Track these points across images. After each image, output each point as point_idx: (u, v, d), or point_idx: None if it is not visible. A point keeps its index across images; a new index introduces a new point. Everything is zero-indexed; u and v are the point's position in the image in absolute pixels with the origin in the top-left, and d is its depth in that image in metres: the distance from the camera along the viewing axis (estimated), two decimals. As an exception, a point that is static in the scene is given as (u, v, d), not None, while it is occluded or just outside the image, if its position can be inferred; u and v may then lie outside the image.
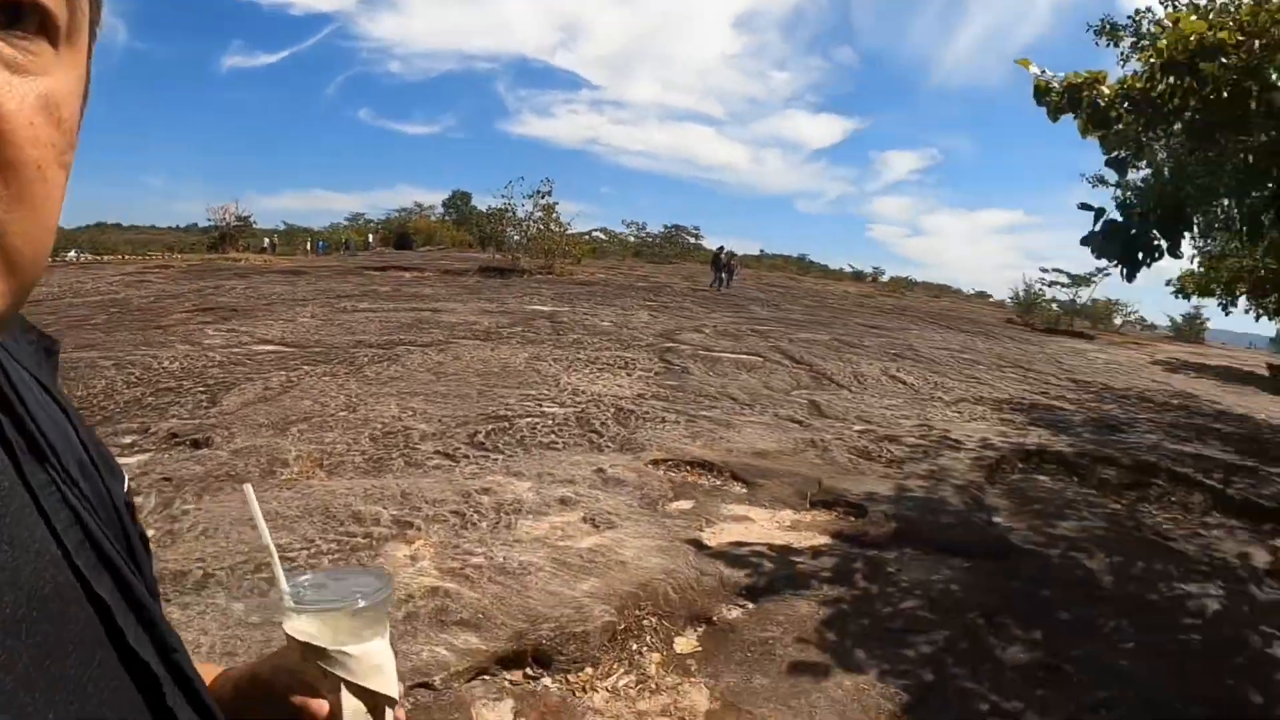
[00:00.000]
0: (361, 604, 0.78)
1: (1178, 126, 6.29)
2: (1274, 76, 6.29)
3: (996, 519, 6.40)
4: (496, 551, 4.41)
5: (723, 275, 21.71)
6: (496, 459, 6.36)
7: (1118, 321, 36.12)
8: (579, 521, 5.06)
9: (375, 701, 0.76)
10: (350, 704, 0.73)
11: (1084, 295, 26.99)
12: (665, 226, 36.63)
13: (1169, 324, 37.25)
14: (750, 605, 4.44)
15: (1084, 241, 6.31)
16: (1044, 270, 27.95)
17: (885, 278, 41.58)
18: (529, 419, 7.46)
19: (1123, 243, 6.12)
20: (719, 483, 6.31)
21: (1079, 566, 5.69)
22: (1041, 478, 7.77)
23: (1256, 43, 6.32)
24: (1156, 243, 6.29)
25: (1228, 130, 6.26)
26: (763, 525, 5.62)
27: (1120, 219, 6.19)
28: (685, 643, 3.98)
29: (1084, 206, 5.66)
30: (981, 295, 39.07)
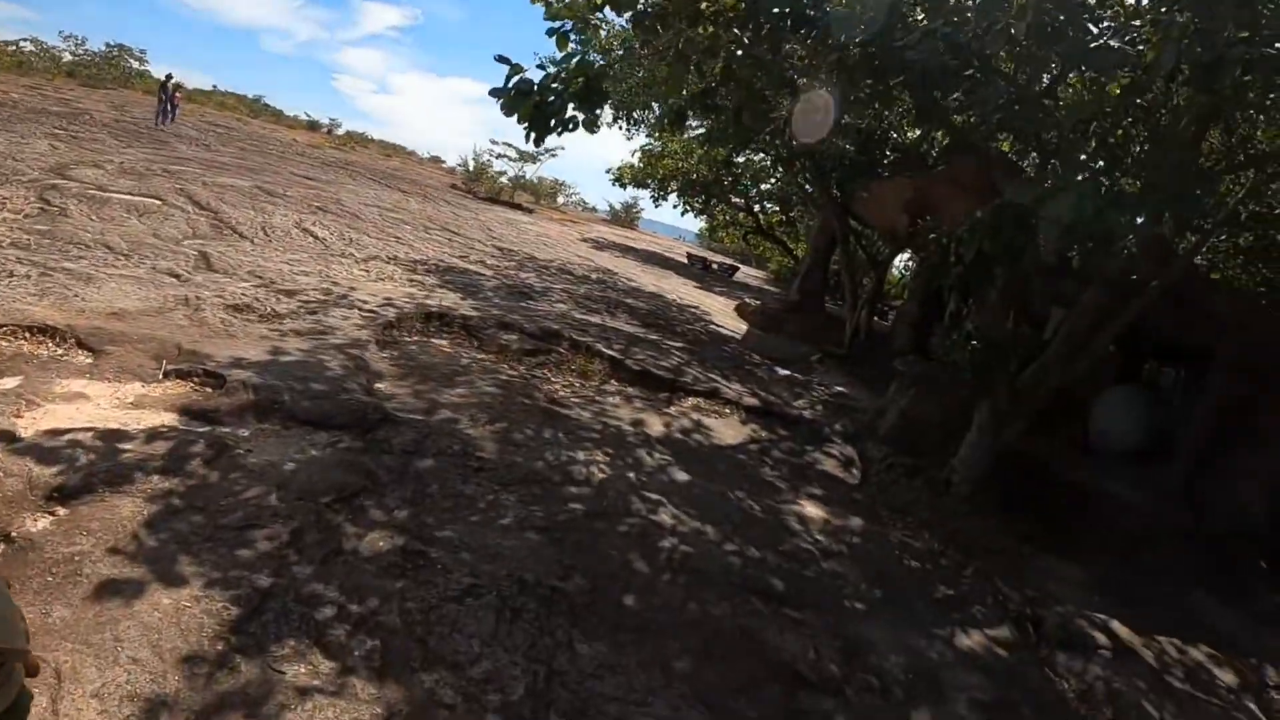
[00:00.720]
0: None
1: (628, 15, 8.85)
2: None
3: (379, 385, 7.79)
4: None
5: (168, 107, 27.42)
6: None
7: (561, 200, 48.53)
8: None
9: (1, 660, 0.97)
10: None
11: (530, 171, 35.82)
12: (108, 45, 40.33)
13: (607, 209, 52.39)
14: (61, 511, 4.98)
15: (493, 93, 8.05)
16: (494, 142, 35.78)
17: (341, 130, 47.75)
18: None
19: (535, 106, 8.13)
20: (60, 352, 7.33)
21: (461, 436, 7.24)
22: (439, 341, 9.79)
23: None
24: (571, 115, 8.55)
25: (677, 22, 8.95)
26: (99, 404, 6.48)
27: (536, 82, 8.23)
28: (-25, 571, 4.23)
29: (500, 59, 7.96)
30: (436, 160, 47.26)
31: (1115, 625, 8.23)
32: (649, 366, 10.77)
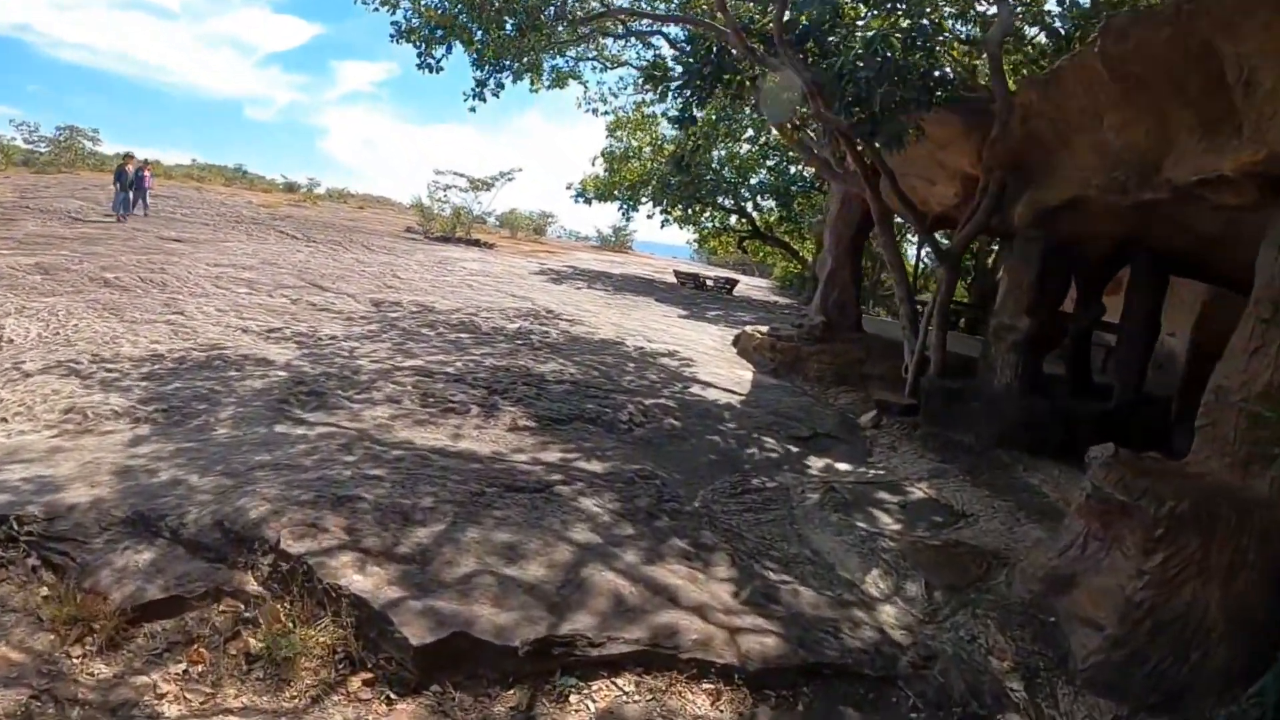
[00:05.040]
0: None
1: None
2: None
3: None
4: None
5: (130, 195, 21.09)
6: None
7: (550, 233, 41.85)
8: None
9: None
10: None
11: (486, 200, 28.73)
12: (58, 129, 35.33)
13: (597, 236, 45.73)
14: None
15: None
16: (438, 172, 29.09)
17: (321, 189, 41.54)
18: None
19: None
20: None
21: None
22: None
23: None
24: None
25: None
26: None
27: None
28: None
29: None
30: (418, 207, 41.68)
31: None
32: (472, 606, 3.79)
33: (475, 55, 10.73)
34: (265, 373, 7.45)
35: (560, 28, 11.30)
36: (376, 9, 10.56)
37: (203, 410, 6.32)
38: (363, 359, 8.29)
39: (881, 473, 7.53)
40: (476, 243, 26.66)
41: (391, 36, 10.54)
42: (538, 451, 6.04)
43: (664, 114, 14.39)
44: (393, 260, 18.02)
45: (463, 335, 10.37)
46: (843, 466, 7.50)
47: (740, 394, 9.61)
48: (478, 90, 11.38)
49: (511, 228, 36.12)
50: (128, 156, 21.74)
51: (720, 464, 6.75)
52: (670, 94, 9.16)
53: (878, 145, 8.50)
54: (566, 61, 14.83)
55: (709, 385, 9.65)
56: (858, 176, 9.91)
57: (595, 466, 5.89)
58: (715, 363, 11.25)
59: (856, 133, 8.45)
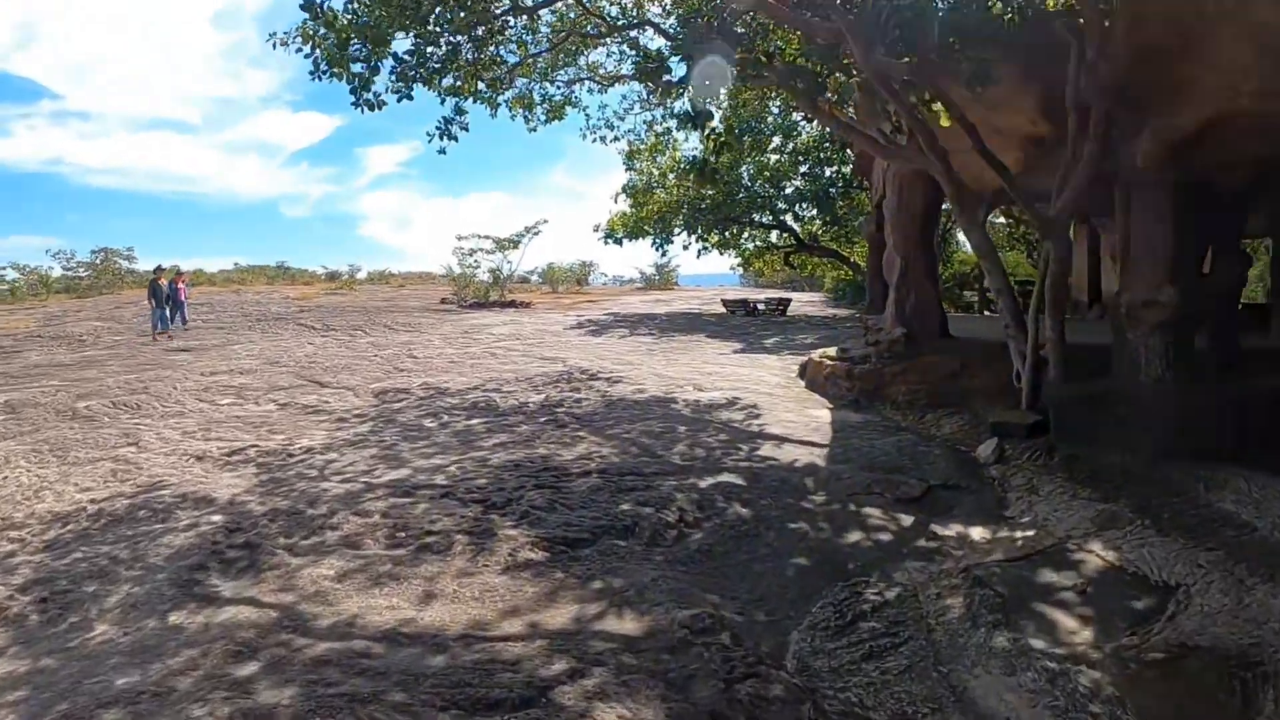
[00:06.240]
0: None
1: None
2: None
3: None
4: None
5: (167, 310, 19.93)
6: None
7: (594, 282, 40.36)
8: None
9: None
10: None
11: (515, 258, 27.11)
12: (93, 252, 35.29)
13: (640, 277, 44.04)
14: None
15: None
16: (460, 238, 26.41)
17: (363, 274, 40.51)
18: None
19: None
20: None
21: None
22: None
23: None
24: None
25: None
26: None
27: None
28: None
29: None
30: (450, 276, 40.89)
31: None
32: None
33: (395, 63, 8.77)
34: (196, 519, 5.65)
35: (509, 16, 9.39)
36: (300, 49, 8.87)
37: (90, 594, 4.55)
38: (332, 479, 6.44)
39: (1031, 533, 5.40)
40: (512, 304, 25.21)
41: (311, 74, 8.74)
42: (539, 609, 4.04)
43: (675, 120, 12.35)
44: (413, 338, 16.42)
45: (473, 421, 8.52)
46: (978, 534, 5.40)
47: (821, 444, 7.54)
48: (443, 127, 9.57)
49: (552, 283, 34.81)
50: (158, 271, 20.81)
51: (814, 570, 4.70)
52: (673, 89, 7.29)
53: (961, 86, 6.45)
54: (559, 89, 13.10)
55: (782, 440, 7.60)
56: (918, 150, 7.85)
57: (627, 624, 3.87)
58: (783, 405, 9.20)
59: (922, 78, 6.43)
